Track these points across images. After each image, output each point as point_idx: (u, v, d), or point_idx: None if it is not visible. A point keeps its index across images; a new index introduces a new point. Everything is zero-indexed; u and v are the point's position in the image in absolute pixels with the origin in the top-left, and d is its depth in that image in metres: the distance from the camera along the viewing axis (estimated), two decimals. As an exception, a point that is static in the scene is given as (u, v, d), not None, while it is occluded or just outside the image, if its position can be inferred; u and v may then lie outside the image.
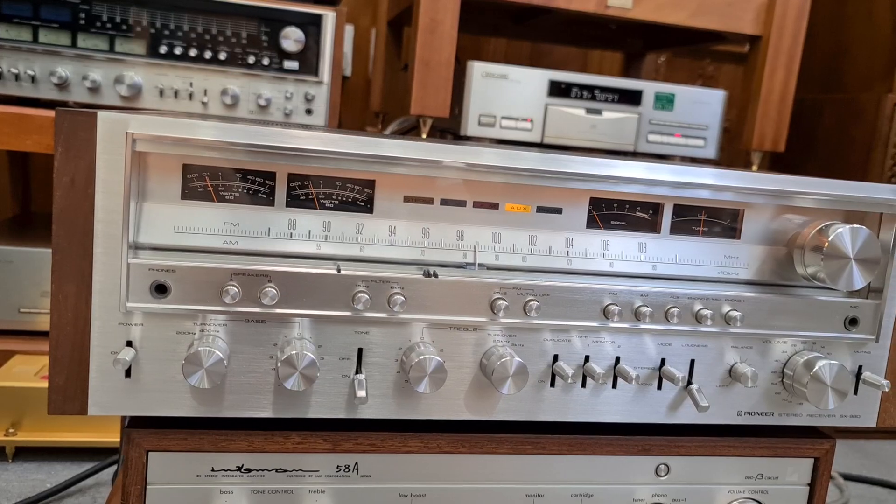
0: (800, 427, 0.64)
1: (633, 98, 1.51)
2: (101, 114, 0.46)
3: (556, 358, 0.55)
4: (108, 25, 1.30)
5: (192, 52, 1.33)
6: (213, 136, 0.47)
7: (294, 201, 0.52)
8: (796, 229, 0.59)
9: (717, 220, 0.59)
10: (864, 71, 1.69)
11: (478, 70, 1.43)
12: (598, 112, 1.49)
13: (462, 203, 0.55)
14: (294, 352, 0.48)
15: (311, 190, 0.52)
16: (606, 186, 0.55)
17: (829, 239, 0.55)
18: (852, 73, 1.73)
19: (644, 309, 0.55)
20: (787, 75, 1.51)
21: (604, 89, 1.49)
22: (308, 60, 1.38)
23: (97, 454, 1.14)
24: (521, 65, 2.10)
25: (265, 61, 1.36)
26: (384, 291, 0.51)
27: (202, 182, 0.50)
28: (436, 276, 0.52)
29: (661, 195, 0.57)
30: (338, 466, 0.55)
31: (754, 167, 1.58)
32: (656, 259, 0.58)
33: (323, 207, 0.53)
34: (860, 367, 0.60)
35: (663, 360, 0.57)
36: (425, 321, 0.53)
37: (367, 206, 0.53)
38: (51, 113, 1.26)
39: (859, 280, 0.55)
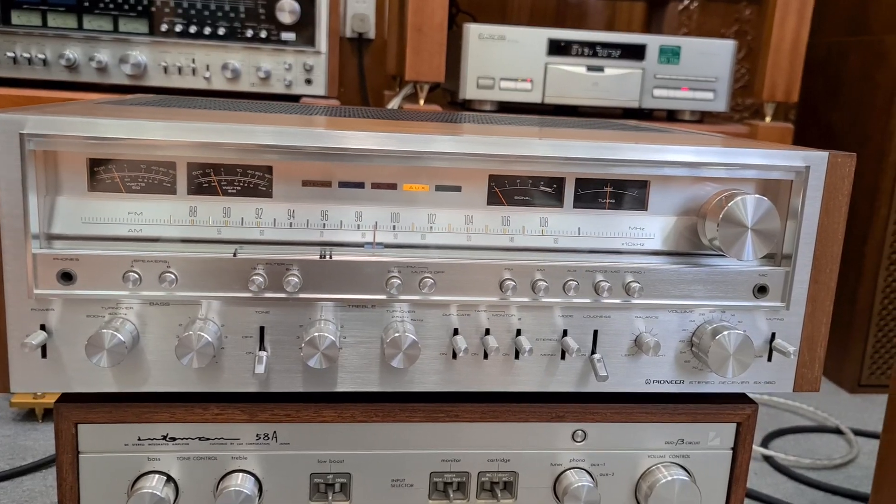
0: (725, 393, 0.65)
1: (636, 53, 1.48)
2: (-2, 117, 0.50)
3: (456, 332, 0.57)
4: (112, 6, 1.35)
5: (192, 29, 1.37)
6: (102, 133, 0.51)
7: (195, 189, 0.55)
8: (706, 199, 0.59)
9: (623, 192, 0.59)
10: (889, 12, 1.61)
11: (473, 32, 1.43)
12: (601, 69, 1.47)
13: (360, 185, 0.57)
14: (189, 333, 0.52)
15: (211, 178, 0.55)
16: (499, 166, 0.56)
17: (727, 207, 0.55)
18: (878, 15, 1.65)
19: (541, 283, 0.56)
20: (799, 22, 1.45)
21: (605, 45, 1.47)
22: (305, 31, 1.40)
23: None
24: (542, 20, 2.07)
25: (263, 34, 1.38)
26: (280, 273, 0.54)
27: (107, 175, 0.54)
28: (330, 256, 0.55)
29: (564, 171, 0.58)
30: (257, 435, 0.59)
31: (767, 118, 1.54)
32: (558, 233, 0.59)
33: (225, 194, 0.55)
34: (773, 335, 0.60)
35: (565, 332, 0.58)
36: (324, 300, 0.55)
37: (266, 191, 0.56)
38: (62, 94, 1.32)
39: (751, 250, 0.55)
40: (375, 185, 0.57)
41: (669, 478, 0.62)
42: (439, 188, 0.57)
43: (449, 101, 1.72)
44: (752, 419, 0.64)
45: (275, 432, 0.59)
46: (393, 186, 0.57)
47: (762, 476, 1.29)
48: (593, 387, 0.60)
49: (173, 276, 0.53)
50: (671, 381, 0.61)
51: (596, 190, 0.59)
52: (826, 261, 0.59)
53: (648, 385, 0.60)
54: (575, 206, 0.59)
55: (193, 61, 1.39)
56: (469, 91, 1.45)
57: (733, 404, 0.63)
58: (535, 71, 1.46)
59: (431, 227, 0.57)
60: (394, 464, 0.61)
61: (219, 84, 1.40)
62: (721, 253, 0.58)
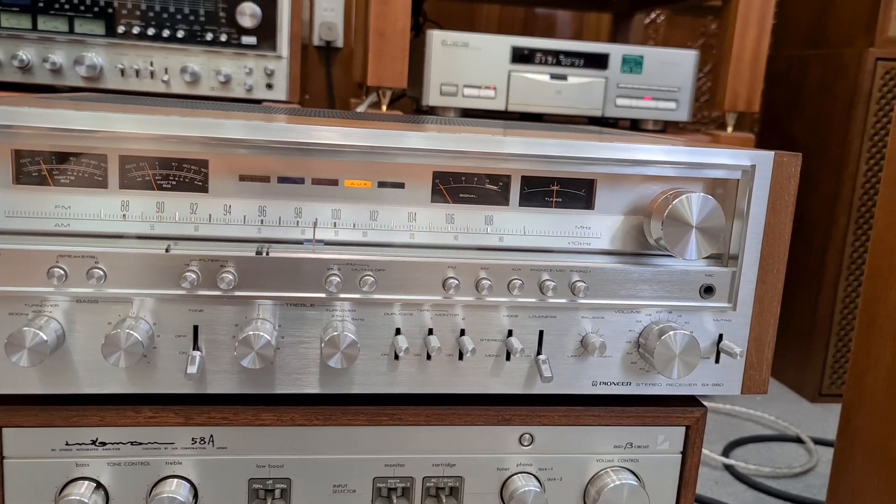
0: (675, 396, 0.64)
1: (599, 62, 1.48)
2: (-84, 104, 0.47)
3: (398, 331, 0.56)
4: (67, 7, 1.32)
5: (151, 31, 1.34)
6: (24, 122, 0.49)
7: (128, 183, 0.53)
8: (653, 198, 0.58)
9: (570, 191, 0.58)
10: (847, 25, 1.63)
11: (437, 38, 1.42)
12: (564, 77, 1.47)
13: (300, 180, 0.55)
14: (117, 331, 0.50)
15: (145, 171, 0.53)
16: (443, 161, 0.55)
17: (672, 205, 0.55)
18: (836, 28, 1.67)
19: (485, 282, 0.55)
20: (759, 33, 1.47)
21: (568, 54, 1.47)
22: (266, 35, 1.38)
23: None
24: (510, 30, 2.08)
25: (223, 37, 1.37)
26: (215, 270, 0.52)
27: (33, 167, 0.52)
28: (267, 253, 0.53)
29: (508, 167, 0.57)
30: (193, 439, 0.57)
31: (729, 129, 1.55)
32: (503, 231, 0.58)
33: (159, 188, 0.54)
34: (721, 336, 0.59)
35: (510, 332, 0.57)
36: (261, 298, 0.54)
37: (202, 186, 0.54)
38: (15, 95, 1.29)
39: (695, 249, 0.54)
40: (316, 181, 0.55)
41: (618, 482, 0.61)
42: (382, 185, 0.56)
43: (414, 109, 1.71)
44: (701, 423, 0.63)
45: (211, 436, 0.57)
46: (334, 182, 0.56)
47: (722, 485, 1.29)
48: (540, 389, 0.59)
49: (101, 273, 0.51)
50: (618, 383, 0.60)
51: (542, 188, 0.58)
52: (773, 261, 0.59)
53: (595, 386, 0.59)
54: (521, 205, 0.58)
55: (151, 64, 1.36)
56: (432, 98, 1.44)
57: (682, 407, 0.63)
58: (499, 78, 1.46)
59: (374, 225, 0.56)
60: (335, 469, 0.59)
61: (178, 87, 1.38)
62: (668, 253, 0.57)
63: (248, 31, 1.37)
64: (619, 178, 0.58)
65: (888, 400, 0.83)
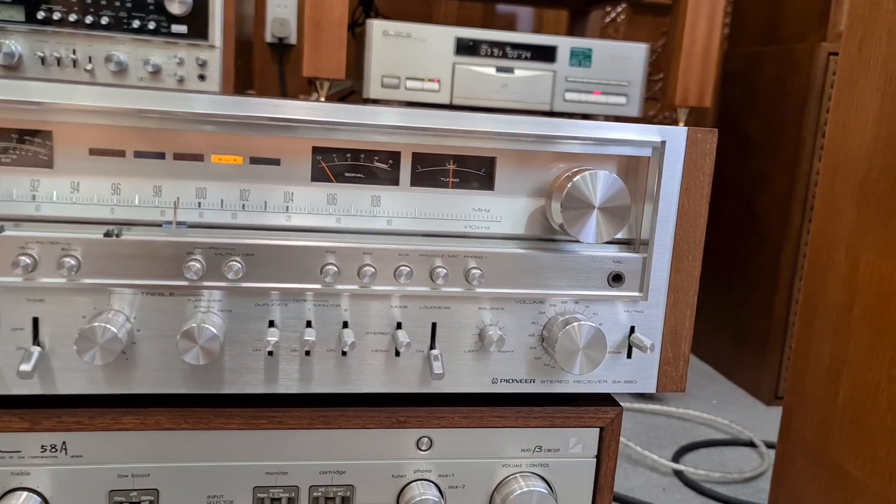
0: (589, 395, 0.59)
1: (547, 54, 1.44)
2: None
3: (271, 324, 0.50)
4: (-16, -8, 1.25)
5: (73, 17, 1.27)
6: None
7: (-42, 157, 0.47)
8: (556, 177, 0.53)
9: (467, 170, 0.53)
10: (799, 21, 1.61)
11: (377, 28, 1.37)
12: (510, 70, 1.43)
13: (160, 155, 0.49)
14: (-67, 322, 0.44)
15: (-21, 144, 0.47)
16: (320, 134, 0.49)
17: (573, 182, 0.50)
18: (789, 24, 1.65)
19: (368, 268, 0.50)
20: (710, 27, 1.43)
21: (515, 46, 1.43)
22: (198, 24, 1.32)
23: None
24: (472, 26, 2.04)
25: (151, 25, 1.30)
26: (56, 255, 0.46)
27: None
28: (118, 235, 0.47)
29: (398, 143, 0.52)
30: (42, 446, 0.51)
31: (681, 124, 1.51)
32: (392, 213, 0.52)
33: (-3, 163, 0.48)
34: (632, 328, 0.54)
35: (399, 324, 0.52)
36: (113, 286, 0.48)
37: (46, 161, 0.48)
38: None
39: (594, 231, 0.49)
40: (178, 157, 0.50)
41: (526, 489, 0.56)
42: (254, 161, 0.50)
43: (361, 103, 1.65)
44: (616, 423, 0.58)
45: (64, 443, 0.51)
46: (199, 158, 0.50)
47: (671, 492, 1.24)
48: (436, 387, 0.54)
49: (-80, 257, 0.45)
50: (521, 381, 0.54)
51: (437, 167, 0.53)
52: (688, 247, 0.54)
53: (496, 384, 0.54)
54: (413, 185, 0.53)
55: (74, 52, 1.29)
56: (373, 90, 1.39)
57: (595, 407, 0.58)
58: (443, 71, 1.41)
59: (244, 205, 0.50)
60: (210, 477, 0.53)
61: (103, 77, 1.31)
62: (574, 238, 0.52)
63: (178, 19, 1.31)
64: (523, 156, 0.53)
65: (827, 400, 0.79)
